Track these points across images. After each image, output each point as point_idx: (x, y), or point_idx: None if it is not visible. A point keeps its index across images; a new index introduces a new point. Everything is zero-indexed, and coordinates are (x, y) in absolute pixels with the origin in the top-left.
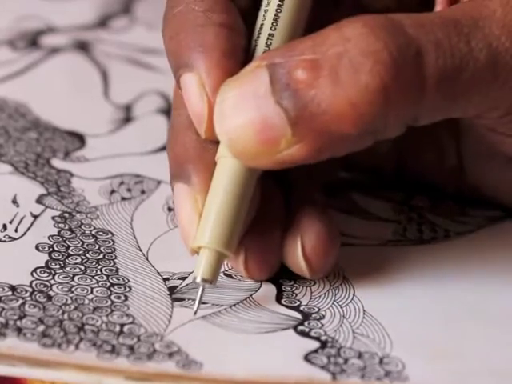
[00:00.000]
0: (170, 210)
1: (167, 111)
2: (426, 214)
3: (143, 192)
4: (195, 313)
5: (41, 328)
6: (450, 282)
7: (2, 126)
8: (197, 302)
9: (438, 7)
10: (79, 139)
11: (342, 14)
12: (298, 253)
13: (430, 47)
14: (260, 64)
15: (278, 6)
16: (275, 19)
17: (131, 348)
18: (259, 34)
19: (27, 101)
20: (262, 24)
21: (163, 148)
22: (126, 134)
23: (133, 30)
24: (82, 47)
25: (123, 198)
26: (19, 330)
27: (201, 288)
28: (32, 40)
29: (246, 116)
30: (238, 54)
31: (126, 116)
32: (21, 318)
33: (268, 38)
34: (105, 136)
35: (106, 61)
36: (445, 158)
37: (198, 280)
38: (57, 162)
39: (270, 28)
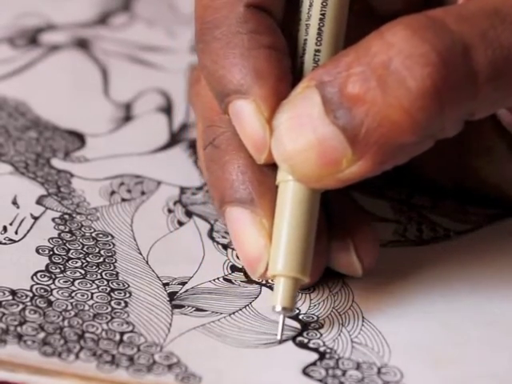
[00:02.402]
0: (170, 211)
1: (167, 109)
2: (426, 213)
3: (143, 193)
4: (280, 342)
5: (41, 335)
6: (451, 284)
7: (1, 125)
8: (279, 330)
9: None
10: (79, 139)
11: (351, 18)
12: (352, 254)
13: (476, 41)
14: (309, 84)
15: (320, 19)
16: (319, 33)
17: (131, 359)
18: (304, 50)
19: (27, 99)
20: (305, 39)
21: (163, 147)
22: (126, 133)
23: (133, 27)
24: (82, 45)
25: (123, 200)
26: (20, 337)
27: (281, 317)
28: (32, 37)
29: (303, 140)
30: (289, 76)
31: (126, 115)
32: (21, 324)
33: (315, 55)
34: (105, 135)
35: (106, 58)
36: (446, 154)
37: (278, 309)
38: (57, 162)
39: (315, 43)
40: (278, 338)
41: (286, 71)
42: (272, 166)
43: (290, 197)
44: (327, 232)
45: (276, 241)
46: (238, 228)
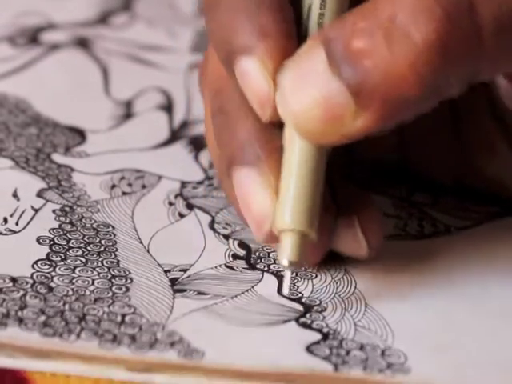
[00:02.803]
0: (170, 204)
1: (167, 107)
2: (427, 209)
3: (144, 187)
4: (287, 296)
5: (42, 318)
6: (451, 276)
7: (2, 122)
8: (286, 284)
9: None
10: (80, 135)
11: None
12: (357, 230)
13: None
14: (314, 42)
15: None
16: None
17: (133, 337)
18: (308, 15)
19: (27, 97)
20: (309, 4)
21: (164, 144)
22: (127, 130)
23: (133, 26)
24: (83, 44)
25: (124, 193)
26: (20, 320)
27: (288, 272)
28: (32, 36)
29: (308, 96)
30: (294, 35)
31: (127, 112)
32: (22, 309)
33: (319, 18)
34: (105, 132)
35: (107, 58)
36: (448, 151)
37: (285, 263)
38: (57, 157)
39: (319, 8)
40: (285, 292)
41: (292, 30)
42: (279, 127)
43: (296, 154)
44: (333, 212)
45: (283, 197)
46: (245, 188)
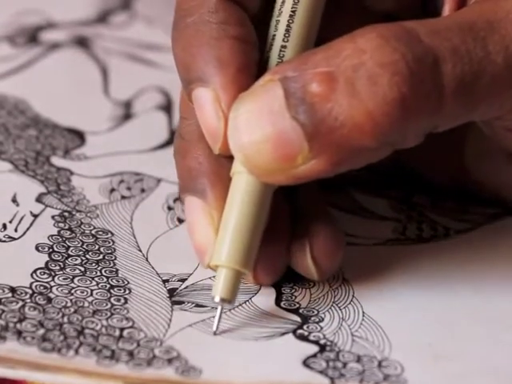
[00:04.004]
0: (169, 208)
1: (167, 108)
2: (426, 212)
3: (143, 190)
4: (215, 333)
5: (41, 331)
6: (450, 281)
7: (1, 124)
8: (216, 321)
9: (446, 8)
10: (79, 136)
11: (344, 17)
12: (307, 256)
13: (446, 55)
14: (273, 78)
15: (290, 16)
16: (287, 30)
17: (131, 353)
18: (271, 45)
19: (27, 97)
20: (273, 35)
21: (163, 145)
22: (126, 131)
23: (132, 25)
24: (82, 43)
25: (123, 197)
26: (19, 334)
27: (219, 308)
28: (31, 36)
29: (261, 132)
30: (253, 69)
31: (126, 113)
32: (21, 321)
33: (281, 50)
34: (104, 133)
35: (106, 57)
36: (447, 156)
37: (217, 300)
38: (56, 160)
39: (283, 39)
40: (214, 329)
41: (250, 63)
42: (230, 159)
43: (241, 189)
44: (290, 232)
45: (222, 232)
46: (192, 217)
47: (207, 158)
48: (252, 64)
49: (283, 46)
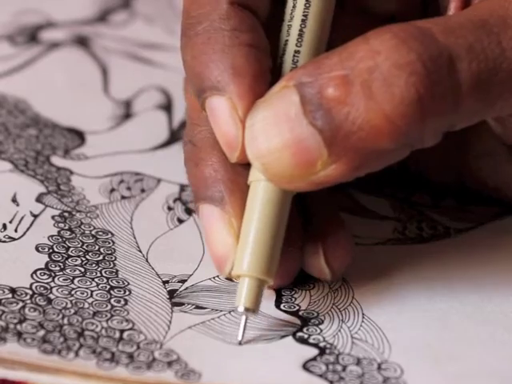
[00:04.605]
0: (169, 209)
1: (167, 107)
2: (427, 211)
3: (143, 190)
4: (240, 343)
5: (41, 333)
6: (450, 281)
7: (1, 123)
8: (240, 331)
9: (452, 6)
10: (79, 136)
11: (346, 18)
12: (321, 258)
13: (462, 53)
14: (288, 84)
15: (302, 21)
16: (300, 35)
17: (131, 356)
18: (284, 50)
19: (27, 97)
20: (286, 40)
21: (163, 145)
22: (126, 131)
23: (132, 24)
24: (82, 42)
25: (123, 197)
26: (19, 335)
27: (244, 318)
28: (31, 35)
29: (279, 139)
30: (267, 76)
31: (126, 112)
32: (21, 322)
33: (294, 55)
34: (104, 133)
35: (106, 56)
36: (449, 155)
37: (241, 309)
38: (57, 160)
39: (296, 44)
40: (239, 339)
41: (265, 70)
42: (245, 166)
43: (260, 197)
44: (302, 235)
45: (243, 240)
46: (209, 225)
47: (223, 165)
48: (266, 71)
49: (296, 51)
